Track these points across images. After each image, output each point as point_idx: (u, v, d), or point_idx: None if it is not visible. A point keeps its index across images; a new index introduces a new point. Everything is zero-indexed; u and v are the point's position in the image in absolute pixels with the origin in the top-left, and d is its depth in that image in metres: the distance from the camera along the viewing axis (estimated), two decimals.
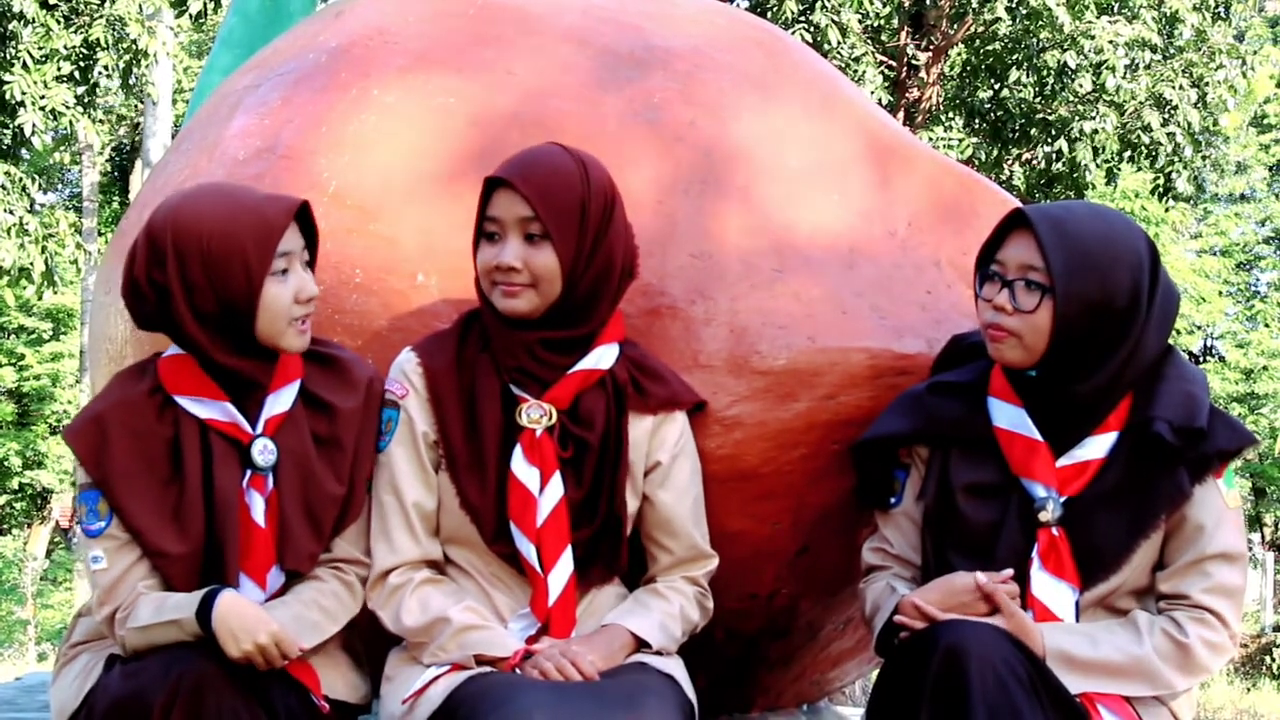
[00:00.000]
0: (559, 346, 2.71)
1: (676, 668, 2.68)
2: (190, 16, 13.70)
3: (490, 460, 2.68)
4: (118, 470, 2.56)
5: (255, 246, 2.56)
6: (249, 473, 2.61)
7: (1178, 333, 24.64)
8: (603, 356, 2.75)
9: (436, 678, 2.57)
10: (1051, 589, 2.66)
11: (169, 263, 2.55)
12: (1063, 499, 2.67)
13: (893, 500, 2.85)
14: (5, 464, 25.77)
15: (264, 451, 2.62)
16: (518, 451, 2.67)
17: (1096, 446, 2.69)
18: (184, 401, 2.61)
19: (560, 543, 2.67)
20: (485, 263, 2.68)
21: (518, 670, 2.54)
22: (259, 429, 2.63)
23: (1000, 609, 2.58)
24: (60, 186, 28.29)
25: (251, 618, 2.47)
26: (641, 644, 2.68)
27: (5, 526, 28.04)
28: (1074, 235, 2.63)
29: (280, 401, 2.66)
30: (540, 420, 2.69)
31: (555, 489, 2.67)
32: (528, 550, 2.66)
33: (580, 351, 2.72)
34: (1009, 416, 2.73)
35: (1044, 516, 2.67)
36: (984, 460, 2.73)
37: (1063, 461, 2.69)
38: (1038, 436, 2.69)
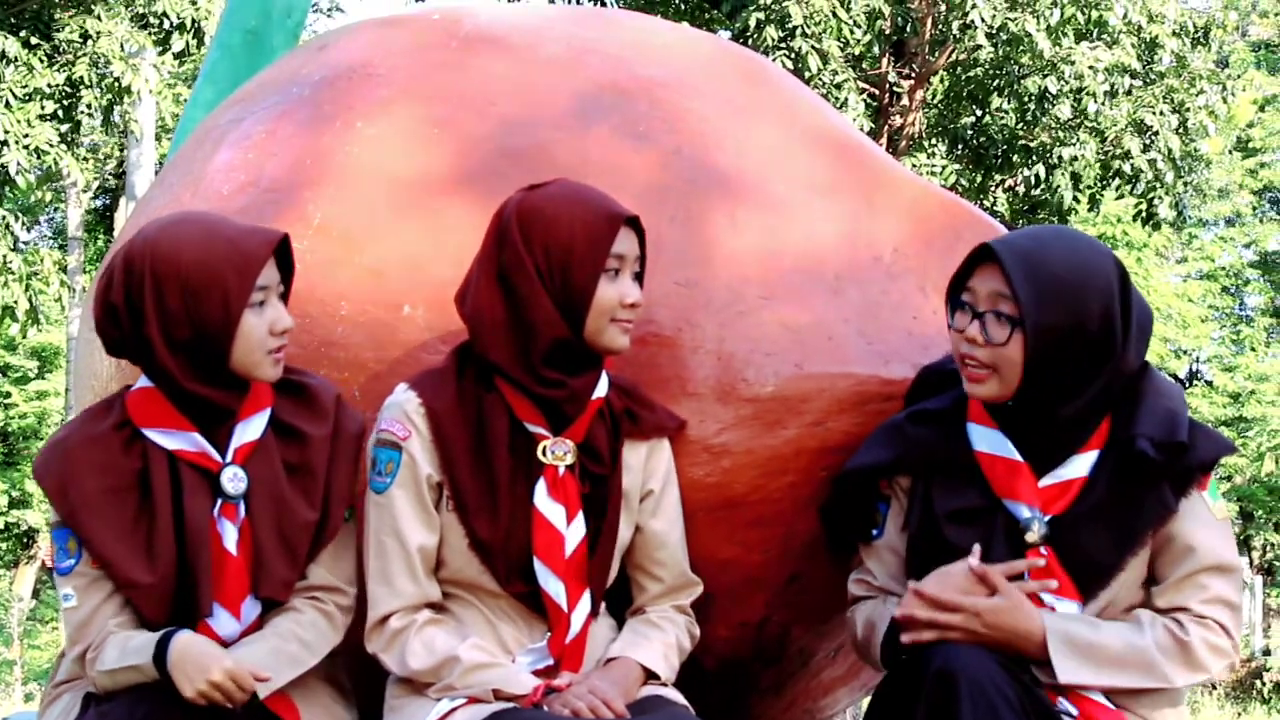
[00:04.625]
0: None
1: (681, 698, 2.70)
2: (173, 54, 13.73)
3: (504, 500, 2.66)
4: (85, 504, 2.54)
5: (235, 278, 2.55)
6: (220, 502, 2.60)
7: (1162, 359, 24.70)
8: (603, 384, 2.76)
9: (452, 710, 2.56)
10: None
11: (146, 290, 2.54)
12: (1047, 518, 2.67)
13: (875, 532, 2.85)
14: None
15: (234, 479, 2.60)
16: (541, 488, 2.67)
17: (1078, 465, 2.70)
18: (151, 434, 2.60)
19: (583, 580, 2.69)
20: (616, 299, 2.67)
21: (543, 707, 2.53)
22: (229, 458, 2.61)
23: (998, 590, 2.59)
24: (43, 224, 28.26)
25: (204, 655, 2.45)
26: (650, 676, 2.69)
27: None
28: (1041, 265, 2.62)
29: (250, 430, 2.65)
30: (564, 457, 2.69)
31: (579, 526, 2.68)
32: (556, 588, 2.66)
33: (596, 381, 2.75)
34: (988, 440, 2.73)
35: (1030, 537, 2.67)
36: (966, 486, 2.73)
37: (1045, 481, 2.69)
38: (1018, 457, 2.69)
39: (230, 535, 2.59)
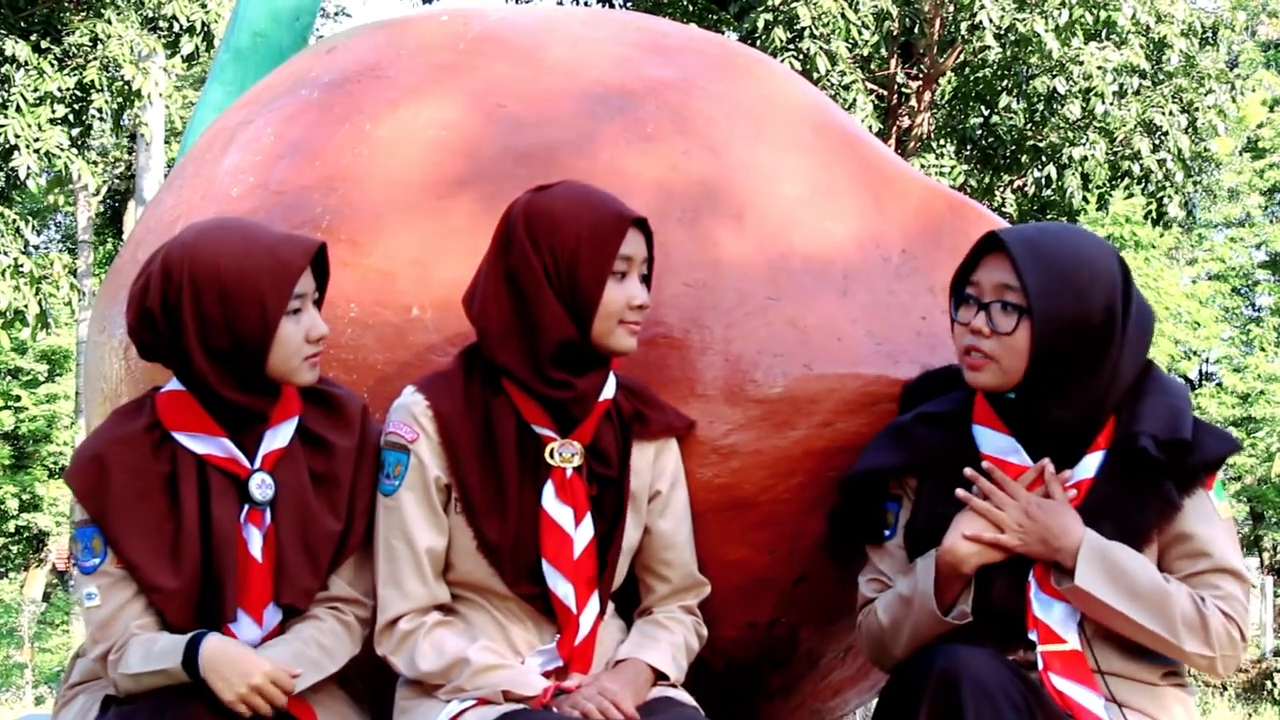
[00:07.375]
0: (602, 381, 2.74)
1: (690, 700, 2.70)
2: (182, 57, 13.75)
3: (512, 502, 2.66)
4: (114, 505, 2.55)
5: (273, 286, 2.56)
6: (246, 507, 2.60)
7: (1173, 360, 24.65)
8: (611, 385, 2.75)
9: (462, 711, 2.56)
10: (1051, 609, 2.65)
11: (184, 296, 2.55)
12: None
13: (887, 533, 2.83)
14: (2, 507, 25.72)
15: (261, 486, 2.61)
16: (549, 490, 2.67)
17: (1085, 466, 2.70)
18: (181, 438, 2.60)
19: (591, 582, 2.69)
20: (623, 301, 2.67)
21: (553, 708, 2.53)
22: (257, 464, 2.62)
23: (1050, 494, 2.64)
24: (53, 227, 28.32)
25: (243, 659, 2.45)
26: (659, 677, 2.70)
27: (2, 570, 27.97)
28: (1048, 255, 2.63)
29: (279, 437, 2.65)
30: (571, 459, 2.68)
31: (587, 528, 2.68)
32: (565, 590, 2.66)
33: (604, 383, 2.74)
34: (996, 445, 2.72)
35: None
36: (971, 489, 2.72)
37: None
38: (1028, 463, 2.69)
39: (255, 541, 2.60)
